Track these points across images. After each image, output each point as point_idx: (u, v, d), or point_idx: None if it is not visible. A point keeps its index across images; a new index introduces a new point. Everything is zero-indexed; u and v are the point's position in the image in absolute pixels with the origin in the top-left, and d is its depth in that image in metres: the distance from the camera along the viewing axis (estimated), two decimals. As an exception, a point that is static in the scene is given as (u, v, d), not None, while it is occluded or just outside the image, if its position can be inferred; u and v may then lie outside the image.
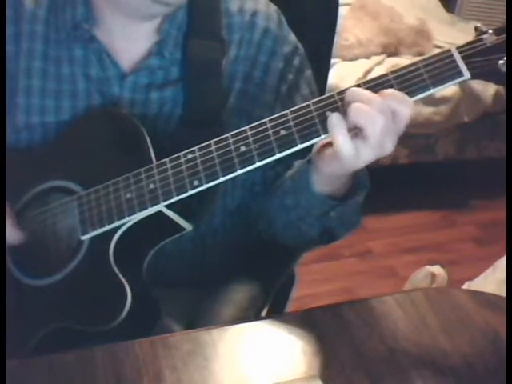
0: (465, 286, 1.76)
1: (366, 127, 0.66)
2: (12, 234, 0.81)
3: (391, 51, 2.46)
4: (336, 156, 0.68)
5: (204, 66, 0.84)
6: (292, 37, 0.90)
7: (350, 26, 2.38)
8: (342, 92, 0.69)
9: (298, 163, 0.86)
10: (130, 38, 0.85)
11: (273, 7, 0.90)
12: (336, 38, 1.08)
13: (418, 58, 0.69)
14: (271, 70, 0.87)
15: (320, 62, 1.07)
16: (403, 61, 2.28)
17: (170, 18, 0.84)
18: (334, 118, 0.67)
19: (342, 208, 0.78)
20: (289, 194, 0.82)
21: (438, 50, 0.69)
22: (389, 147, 0.68)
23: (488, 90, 2.39)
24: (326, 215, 0.79)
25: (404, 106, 0.67)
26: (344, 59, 2.35)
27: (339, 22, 1.06)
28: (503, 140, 2.54)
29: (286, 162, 0.85)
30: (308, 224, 0.82)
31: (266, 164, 0.82)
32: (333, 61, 1.12)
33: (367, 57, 2.40)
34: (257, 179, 0.89)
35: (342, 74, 2.21)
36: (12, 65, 0.85)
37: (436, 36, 2.56)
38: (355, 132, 0.67)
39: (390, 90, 0.67)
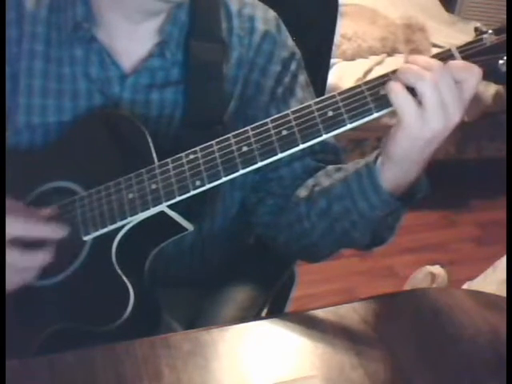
0: (465, 286, 1.76)
1: (421, 90, 0.64)
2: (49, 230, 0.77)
3: (390, 47, 2.46)
4: (401, 125, 0.67)
5: (205, 67, 0.84)
6: (290, 42, 0.91)
7: (345, 21, 2.39)
8: (343, 92, 0.69)
9: (331, 171, 0.84)
10: (131, 39, 0.85)
11: (271, 12, 0.91)
12: (336, 38, 1.08)
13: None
14: (268, 73, 0.87)
15: (320, 62, 1.07)
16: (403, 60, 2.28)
17: (172, 19, 0.84)
18: (391, 82, 0.66)
19: (402, 210, 0.77)
20: (339, 200, 0.78)
21: (437, 50, 0.69)
22: (455, 116, 0.66)
23: (488, 89, 2.39)
24: (385, 219, 0.77)
25: (470, 75, 0.65)
26: (345, 55, 2.35)
27: (339, 22, 1.06)
28: (503, 140, 2.54)
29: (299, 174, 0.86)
30: (360, 230, 0.79)
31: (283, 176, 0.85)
32: (333, 61, 1.12)
33: (368, 51, 2.40)
34: (275, 202, 0.88)
35: (341, 74, 2.21)
36: (13, 65, 0.85)
37: (436, 36, 2.56)
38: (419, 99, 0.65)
39: (456, 61, 0.66)
